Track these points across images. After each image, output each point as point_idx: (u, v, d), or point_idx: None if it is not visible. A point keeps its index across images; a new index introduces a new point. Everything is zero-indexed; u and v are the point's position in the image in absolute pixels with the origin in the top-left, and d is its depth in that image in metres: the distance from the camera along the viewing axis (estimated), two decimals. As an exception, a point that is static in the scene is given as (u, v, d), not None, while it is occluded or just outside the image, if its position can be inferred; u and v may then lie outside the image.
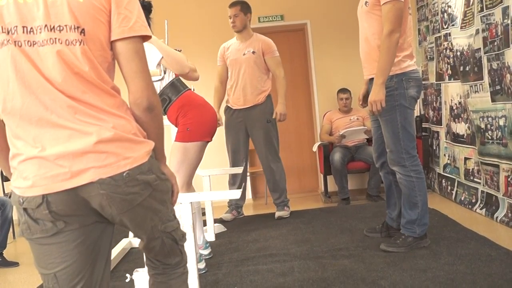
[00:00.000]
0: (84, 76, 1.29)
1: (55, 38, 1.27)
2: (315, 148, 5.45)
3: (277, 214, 4.48)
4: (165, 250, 1.53)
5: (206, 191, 3.91)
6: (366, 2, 3.14)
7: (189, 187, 3.10)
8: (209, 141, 3.05)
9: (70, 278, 1.35)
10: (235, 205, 4.73)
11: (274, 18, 5.77)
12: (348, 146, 5.11)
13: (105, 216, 1.35)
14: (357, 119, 5.30)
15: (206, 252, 3.42)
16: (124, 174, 1.29)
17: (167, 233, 1.49)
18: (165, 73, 3.02)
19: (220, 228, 4.18)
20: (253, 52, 4.43)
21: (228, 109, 4.62)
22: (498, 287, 2.44)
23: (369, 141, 5.12)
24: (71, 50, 1.27)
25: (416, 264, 2.86)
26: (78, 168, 1.25)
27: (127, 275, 2.57)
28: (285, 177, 4.58)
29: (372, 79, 3.14)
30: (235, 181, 4.65)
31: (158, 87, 3.01)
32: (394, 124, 3.09)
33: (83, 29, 1.29)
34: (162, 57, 2.89)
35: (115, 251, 3.51)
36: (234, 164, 4.60)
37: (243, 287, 2.76)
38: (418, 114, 5.55)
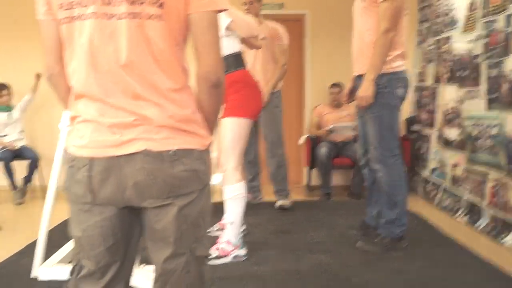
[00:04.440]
0: (159, 54, 1.23)
1: (135, 12, 1.20)
2: (301, 141, 5.37)
3: (279, 202, 4.40)
4: (185, 282, 1.29)
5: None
6: None
7: (242, 168, 3.01)
8: (254, 121, 2.99)
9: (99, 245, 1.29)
10: (251, 188, 4.64)
11: (274, 6, 5.66)
12: (335, 141, 5.04)
13: (135, 207, 1.27)
14: (348, 115, 5.23)
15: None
16: (171, 152, 1.22)
17: (196, 255, 1.30)
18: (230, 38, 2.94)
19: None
20: (263, 38, 4.35)
21: None
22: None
23: (356, 138, 5.05)
24: (150, 25, 1.21)
25: (391, 265, 2.82)
26: (129, 137, 1.21)
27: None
28: (287, 166, 4.50)
29: (360, 76, 3.10)
30: (249, 167, 4.58)
31: (223, 48, 2.91)
32: (381, 122, 3.05)
33: (161, 3, 1.21)
34: (232, 20, 2.83)
35: None
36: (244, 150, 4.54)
37: (216, 272, 2.69)
38: (409, 116, 5.49)
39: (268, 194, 4.78)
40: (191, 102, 1.30)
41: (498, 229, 3.61)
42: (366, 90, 3.00)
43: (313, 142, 5.18)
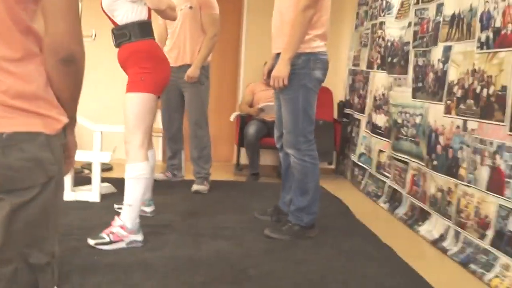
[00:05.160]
0: None
1: None
2: (232, 118, 5.22)
3: (194, 187, 4.16)
4: None
5: (95, 149, 3.60)
6: None
7: (150, 144, 2.89)
8: (159, 97, 2.80)
9: None
10: (170, 166, 4.45)
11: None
12: (266, 120, 4.91)
13: None
14: (281, 94, 5.11)
15: (148, 209, 3.28)
16: (4, 135, 0.97)
17: (29, 263, 1.06)
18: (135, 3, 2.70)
19: (109, 189, 3.88)
20: (190, 7, 4.06)
21: None
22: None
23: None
24: None
25: (295, 255, 2.74)
26: None
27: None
28: (210, 148, 4.27)
29: (279, 54, 2.94)
30: (170, 143, 4.42)
31: (126, 14, 2.68)
32: (295, 104, 2.92)
33: None
34: None
35: None
36: (166, 124, 4.36)
37: (105, 258, 2.52)
38: (343, 99, 5.43)
39: (189, 173, 4.63)
40: (40, 75, 1.05)
41: (414, 217, 3.61)
42: (281, 70, 2.86)
43: (243, 120, 5.04)
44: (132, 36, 2.70)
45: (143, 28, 2.73)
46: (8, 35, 1.00)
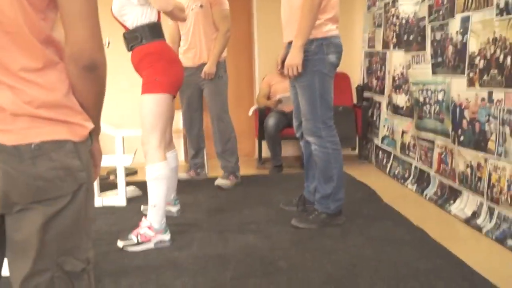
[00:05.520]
0: (8, 25, 0.96)
1: None
2: (251, 112, 5.17)
3: (217, 181, 4.14)
4: None
5: (118, 153, 3.61)
6: None
7: (170, 145, 2.90)
8: (174, 97, 2.80)
9: None
10: (194, 165, 4.43)
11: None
12: (285, 111, 4.83)
13: None
14: (298, 83, 5.03)
15: (174, 209, 3.25)
16: (33, 145, 0.96)
17: (65, 270, 1.07)
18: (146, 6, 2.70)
19: (135, 192, 3.89)
20: (201, 6, 4.04)
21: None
22: (400, 279, 2.25)
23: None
24: None
25: (323, 245, 2.67)
26: None
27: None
28: (236, 140, 4.25)
29: (291, 42, 2.88)
30: (193, 143, 4.38)
31: (136, 17, 2.68)
32: (312, 91, 2.86)
33: None
34: None
35: None
36: (188, 124, 4.34)
37: (134, 260, 2.52)
38: (361, 83, 5.33)
39: (213, 170, 4.61)
40: (62, 83, 1.04)
41: (445, 197, 3.51)
42: (294, 58, 2.80)
43: (262, 113, 4.97)
44: (143, 39, 2.69)
45: (154, 30, 2.71)
46: (28, 46, 1.00)
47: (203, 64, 4.09)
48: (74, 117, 1.05)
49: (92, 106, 1.11)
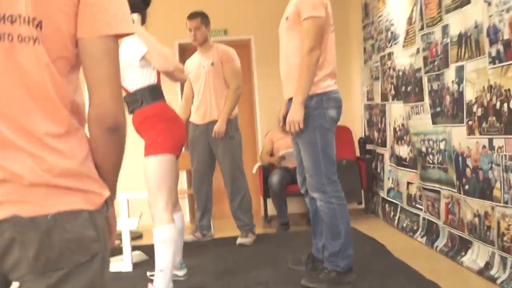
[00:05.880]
0: (34, 88, 0.97)
1: (3, 33, 0.94)
2: (255, 170, 5.17)
3: (238, 240, 4.15)
4: None
5: (123, 217, 3.59)
6: (287, 18, 2.96)
7: (175, 207, 2.87)
8: (178, 157, 2.79)
9: None
10: (199, 226, 4.40)
11: (218, 32, 5.50)
12: (288, 168, 4.83)
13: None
14: (300, 139, 5.05)
15: (181, 273, 3.20)
16: (49, 216, 0.95)
17: None
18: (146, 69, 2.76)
19: (140, 256, 3.83)
20: (212, 64, 4.15)
21: (191, 125, 4.32)
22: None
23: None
24: (23, 50, 0.95)
25: (335, 303, 2.59)
26: None
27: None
28: (250, 198, 4.26)
29: (291, 99, 2.92)
30: (200, 203, 4.36)
31: (136, 81, 2.73)
32: (314, 146, 2.86)
33: (40, 22, 0.96)
34: (147, 50, 2.64)
35: None
36: (196, 183, 4.32)
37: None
38: (362, 136, 5.35)
39: (219, 231, 4.55)
40: (81, 150, 1.04)
41: (456, 248, 3.43)
42: (295, 114, 2.82)
43: (266, 170, 4.98)
44: (144, 101, 2.73)
45: (153, 92, 2.76)
46: (54, 111, 1.00)
47: (213, 122, 4.13)
48: (91, 185, 1.03)
49: (112, 168, 1.11)
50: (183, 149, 2.95)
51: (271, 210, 5.06)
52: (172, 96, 4.75)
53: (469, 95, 3.14)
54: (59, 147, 0.99)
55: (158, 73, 2.82)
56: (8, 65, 0.96)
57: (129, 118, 2.83)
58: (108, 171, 1.10)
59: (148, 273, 3.29)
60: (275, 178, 4.73)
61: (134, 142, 3.81)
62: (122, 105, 1.08)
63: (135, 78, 2.74)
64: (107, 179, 1.09)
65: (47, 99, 0.99)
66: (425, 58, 3.77)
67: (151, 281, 2.74)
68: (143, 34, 2.67)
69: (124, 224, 3.55)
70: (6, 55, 0.95)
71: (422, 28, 3.79)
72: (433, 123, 3.70)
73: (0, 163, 0.95)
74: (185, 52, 5.62)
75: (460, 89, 3.25)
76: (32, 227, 0.94)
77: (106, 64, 1.03)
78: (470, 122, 3.15)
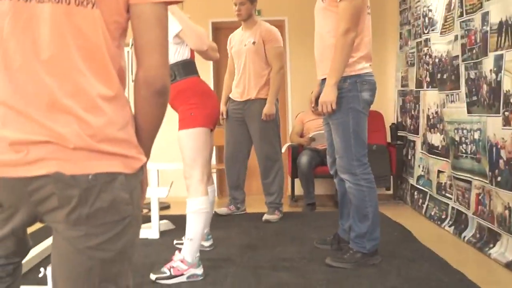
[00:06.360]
0: (89, 51, 1.01)
1: None
2: (284, 150, 5.19)
3: (265, 216, 4.23)
4: None
5: (153, 186, 3.68)
6: None
7: (209, 179, 2.92)
8: (212, 130, 2.84)
9: None
10: (233, 200, 4.51)
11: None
12: (318, 149, 4.86)
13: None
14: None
15: (207, 244, 3.30)
16: (90, 176, 1.00)
17: None
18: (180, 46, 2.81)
19: (168, 225, 3.95)
20: (253, 43, 4.17)
21: (230, 101, 4.39)
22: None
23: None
24: (80, 13, 1.00)
25: (359, 284, 2.62)
26: (37, 155, 0.98)
27: (41, 269, 2.31)
28: (283, 178, 4.33)
29: (325, 79, 2.92)
30: (231, 179, 4.44)
31: (171, 55, 2.77)
32: (346, 128, 2.87)
33: None
34: (181, 29, 2.68)
35: (41, 248, 3.19)
36: (229, 159, 4.40)
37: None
38: (395, 122, 5.31)
39: (251, 206, 4.61)
40: (125, 115, 1.08)
41: (484, 240, 3.41)
42: (328, 95, 2.83)
43: (295, 151, 5.00)
44: (177, 76, 2.78)
45: (187, 67, 2.81)
46: (106, 73, 1.04)
47: (249, 100, 4.18)
48: (130, 150, 1.07)
49: (152, 131, 1.15)
50: (218, 124, 3.00)
51: (298, 190, 5.10)
52: (205, 71, 4.79)
53: (507, 85, 3.09)
54: (106, 110, 1.03)
55: (192, 49, 2.86)
56: (65, 27, 1.00)
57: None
58: (147, 134, 1.14)
59: (175, 241, 3.41)
60: (304, 159, 4.75)
61: (167, 115, 3.92)
62: (169, 70, 1.12)
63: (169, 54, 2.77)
64: (144, 142, 1.13)
65: (101, 62, 1.03)
66: (463, 46, 3.70)
67: (179, 249, 2.82)
68: (178, 12, 2.70)
69: (154, 193, 3.64)
70: (64, 17, 0.99)
71: (461, 15, 3.71)
72: (468, 112, 3.65)
73: (47, 124, 0.98)
74: (218, 31, 5.65)
75: (498, 79, 3.20)
76: (73, 185, 0.99)
77: (157, 29, 1.07)
78: (506, 113, 3.11)
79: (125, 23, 1.08)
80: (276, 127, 4.28)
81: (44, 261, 3.06)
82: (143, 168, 1.13)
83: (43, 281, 2.31)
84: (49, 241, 3.28)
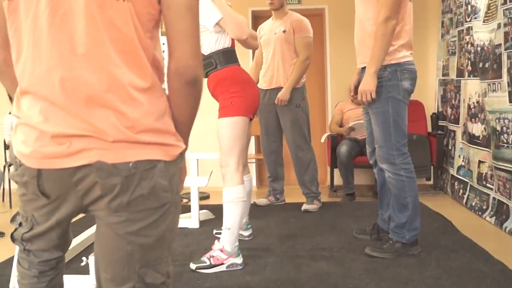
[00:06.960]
0: (123, 43, 1.04)
1: None
2: (323, 139, 5.22)
3: (303, 206, 4.29)
4: None
5: (192, 175, 3.77)
6: None
7: (245, 168, 2.93)
8: (251, 119, 2.87)
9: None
10: (272, 191, 4.57)
11: (292, 0, 5.51)
12: (357, 139, 4.85)
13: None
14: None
15: (246, 233, 3.35)
16: (131, 164, 1.04)
17: (146, 282, 1.12)
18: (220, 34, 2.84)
19: (207, 215, 4.04)
20: (284, 31, 4.21)
21: (259, 90, 4.43)
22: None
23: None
24: (113, 6, 1.02)
25: (399, 274, 2.64)
26: (78, 147, 1.03)
27: (83, 258, 2.44)
28: (316, 167, 4.35)
29: (365, 68, 2.91)
30: (270, 168, 4.49)
31: (210, 44, 2.83)
32: (385, 117, 2.86)
33: None
34: (222, 17, 2.72)
35: (83, 237, 3.31)
36: (265, 149, 4.47)
37: (207, 282, 2.60)
38: (435, 111, 5.25)
39: (290, 196, 4.68)
40: (161, 105, 1.10)
41: (526, 231, 3.37)
42: (367, 84, 2.82)
43: (334, 140, 5.01)
44: (218, 64, 2.81)
45: (228, 56, 2.83)
46: (140, 65, 1.07)
47: (279, 88, 4.21)
48: (168, 138, 1.11)
49: (187, 121, 1.17)
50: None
51: (337, 180, 5.12)
52: (244, 60, 4.83)
53: (553, 74, 3.03)
54: (142, 101, 1.06)
55: (233, 38, 2.87)
56: (99, 20, 1.02)
57: (204, 82, 2.96)
58: (183, 123, 1.17)
59: (214, 231, 3.47)
60: (343, 149, 4.76)
61: (206, 105, 3.99)
62: (201, 60, 1.14)
63: (209, 42, 2.81)
64: (181, 131, 1.17)
65: (135, 54, 1.06)
66: (506, 34, 3.63)
67: (218, 238, 2.87)
68: (218, 1, 2.71)
69: (194, 183, 3.72)
70: (97, 11, 1.02)
71: (504, 3, 3.63)
72: (510, 101, 3.58)
73: (87, 119, 1.03)
74: (258, 20, 5.68)
75: (543, 68, 3.13)
76: (115, 173, 1.04)
77: (188, 19, 1.08)
78: (551, 103, 3.05)
79: (157, 15, 1.09)
80: (306, 117, 4.30)
81: (86, 251, 3.18)
82: (182, 155, 1.16)
83: (85, 270, 2.40)
84: (91, 231, 3.41)
